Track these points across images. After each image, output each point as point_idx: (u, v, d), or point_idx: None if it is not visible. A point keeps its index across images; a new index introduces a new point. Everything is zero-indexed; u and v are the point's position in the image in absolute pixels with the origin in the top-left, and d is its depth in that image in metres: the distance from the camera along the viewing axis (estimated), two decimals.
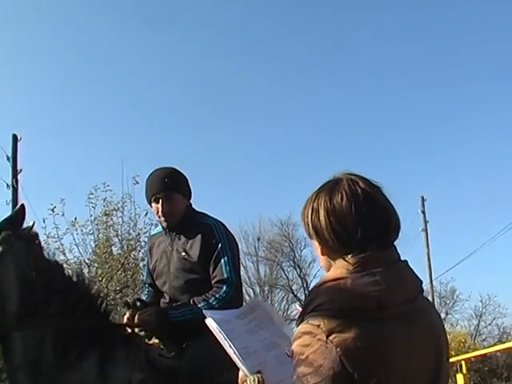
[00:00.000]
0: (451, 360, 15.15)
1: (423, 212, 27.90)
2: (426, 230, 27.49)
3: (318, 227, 1.64)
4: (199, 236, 3.23)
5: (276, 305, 31.92)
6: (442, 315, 29.67)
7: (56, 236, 14.80)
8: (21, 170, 16.81)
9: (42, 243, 3.11)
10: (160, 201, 3.27)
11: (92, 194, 16.13)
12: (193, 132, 39.81)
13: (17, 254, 2.87)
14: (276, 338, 2.05)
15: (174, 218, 3.30)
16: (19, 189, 16.52)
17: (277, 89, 41.28)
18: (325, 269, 1.69)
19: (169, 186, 3.29)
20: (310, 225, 1.67)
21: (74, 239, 15.92)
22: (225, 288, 3.12)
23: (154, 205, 3.33)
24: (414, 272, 1.66)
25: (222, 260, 3.16)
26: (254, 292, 30.89)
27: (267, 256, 32.75)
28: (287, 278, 31.53)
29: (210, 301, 3.09)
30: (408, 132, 41.60)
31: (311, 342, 1.49)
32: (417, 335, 1.56)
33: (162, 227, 3.42)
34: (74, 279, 3.02)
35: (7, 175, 16.71)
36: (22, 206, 2.96)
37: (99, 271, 14.40)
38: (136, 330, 3.08)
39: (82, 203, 16.17)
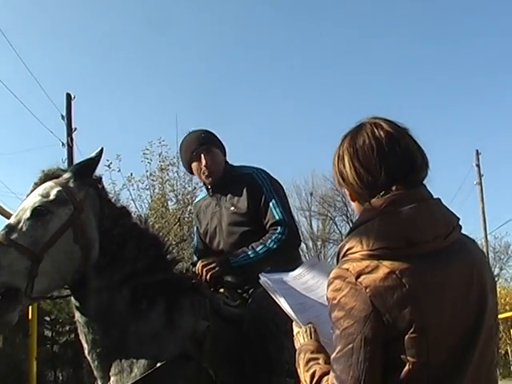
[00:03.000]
0: (506, 315, 15.04)
1: (478, 165, 27.42)
2: (480, 184, 27.13)
3: (344, 173, 1.66)
4: (243, 187, 3.19)
5: (329, 259, 32.03)
6: (496, 270, 29.28)
7: (113, 192, 15.07)
8: (75, 128, 17.24)
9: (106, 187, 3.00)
10: (202, 156, 3.21)
11: (147, 149, 16.40)
12: (246, 82, 39.71)
13: (92, 200, 2.80)
14: None
15: (217, 174, 3.26)
16: (74, 147, 17.00)
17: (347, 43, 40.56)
18: (358, 214, 1.68)
19: (207, 141, 3.26)
20: (338, 172, 1.69)
21: (131, 194, 16.29)
22: (280, 229, 3.08)
23: (194, 164, 3.28)
24: (447, 209, 1.64)
25: (271, 203, 3.13)
26: (306, 247, 31.11)
27: (320, 211, 32.83)
28: (340, 232, 31.56)
29: (267, 243, 3.06)
30: (463, 83, 40.45)
31: (341, 285, 1.51)
32: (454, 271, 1.54)
33: (207, 189, 3.39)
34: (141, 226, 2.98)
35: (62, 134, 17.18)
36: (102, 150, 2.82)
37: (156, 226, 14.56)
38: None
39: (138, 159, 16.47)
